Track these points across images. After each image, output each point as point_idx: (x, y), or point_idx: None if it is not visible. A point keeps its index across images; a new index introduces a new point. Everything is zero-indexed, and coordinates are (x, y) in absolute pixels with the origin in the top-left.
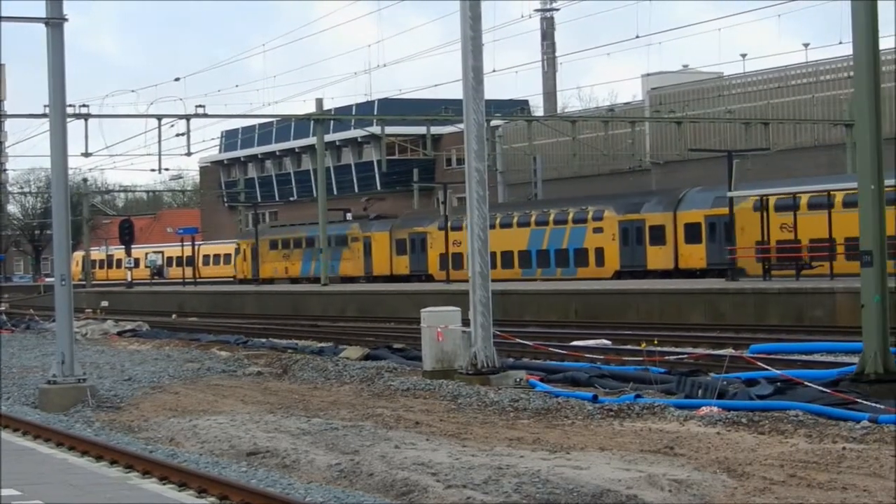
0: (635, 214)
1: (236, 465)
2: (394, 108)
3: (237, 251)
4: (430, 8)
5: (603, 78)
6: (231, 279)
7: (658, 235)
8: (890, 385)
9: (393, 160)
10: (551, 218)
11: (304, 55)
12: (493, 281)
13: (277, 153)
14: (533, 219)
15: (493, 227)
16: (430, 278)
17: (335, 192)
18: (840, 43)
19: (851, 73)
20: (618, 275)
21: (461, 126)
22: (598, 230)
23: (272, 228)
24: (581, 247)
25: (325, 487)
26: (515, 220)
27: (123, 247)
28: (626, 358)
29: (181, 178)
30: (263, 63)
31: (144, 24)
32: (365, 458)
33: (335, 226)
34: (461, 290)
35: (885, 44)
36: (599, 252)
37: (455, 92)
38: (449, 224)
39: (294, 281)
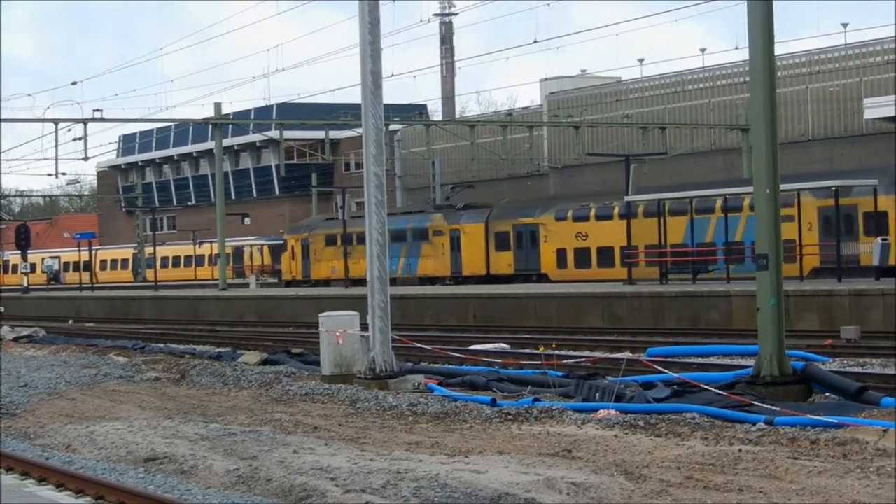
0: (843, 198)
1: (134, 472)
2: (293, 113)
3: (283, 248)
4: (330, 9)
5: (502, 82)
6: (128, 284)
7: (876, 225)
8: (785, 387)
9: (291, 164)
10: (719, 204)
11: (204, 58)
12: (641, 281)
13: (175, 157)
14: (693, 206)
15: (635, 215)
16: (542, 278)
17: (233, 197)
18: (736, 48)
19: (747, 78)
20: (816, 273)
21: (360, 130)
22: (787, 218)
23: (328, 221)
24: None
25: (224, 493)
26: (667, 207)
27: (19, 252)
28: (525, 362)
29: (78, 182)
30: (162, 66)
31: (49, 26)
32: (263, 463)
33: (411, 217)
34: (360, 294)
35: (780, 49)
36: (789, 245)
37: (354, 96)
38: (570, 213)
39: (357, 283)
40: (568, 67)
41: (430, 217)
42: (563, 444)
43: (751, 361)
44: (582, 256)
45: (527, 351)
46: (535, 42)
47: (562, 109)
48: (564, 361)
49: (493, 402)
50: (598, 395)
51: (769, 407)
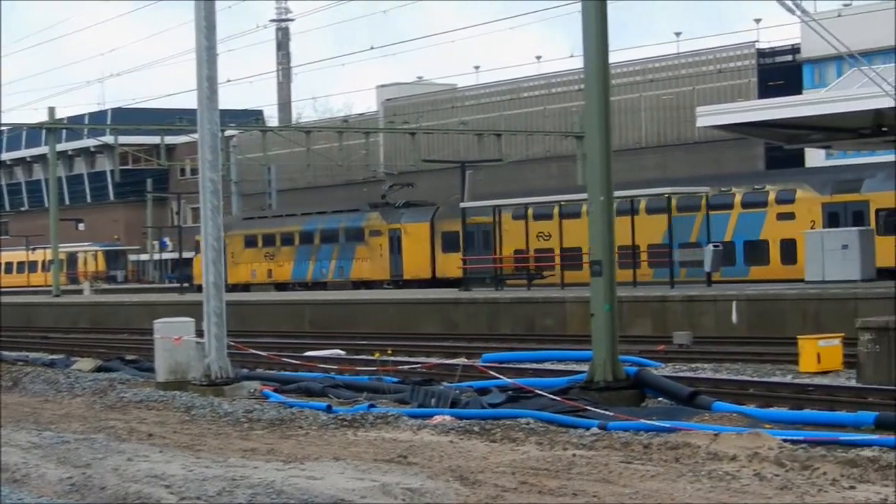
0: (852, 195)
1: None
2: (128, 118)
3: (197, 250)
4: (167, 9)
5: (338, 88)
6: None
7: (893, 223)
8: (619, 392)
9: (126, 170)
10: (704, 202)
11: (39, 61)
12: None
13: (8, 162)
14: (674, 203)
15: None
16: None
17: (67, 202)
18: (571, 56)
19: (582, 86)
20: None
21: (196, 136)
22: (785, 216)
23: (247, 221)
24: (756, 239)
25: (56, 501)
26: (643, 205)
27: None
28: (360, 368)
29: None
30: None
31: None
32: (97, 471)
33: (343, 216)
34: (195, 300)
35: (614, 57)
36: (788, 245)
37: (190, 101)
38: (531, 211)
39: (281, 287)
40: (404, 74)
41: (366, 216)
42: (398, 450)
43: (585, 367)
44: (544, 259)
45: (363, 357)
46: (372, 48)
47: (398, 116)
48: (400, 367)
49: (328, 409)
50: (433, 400)
51: (603, 412)
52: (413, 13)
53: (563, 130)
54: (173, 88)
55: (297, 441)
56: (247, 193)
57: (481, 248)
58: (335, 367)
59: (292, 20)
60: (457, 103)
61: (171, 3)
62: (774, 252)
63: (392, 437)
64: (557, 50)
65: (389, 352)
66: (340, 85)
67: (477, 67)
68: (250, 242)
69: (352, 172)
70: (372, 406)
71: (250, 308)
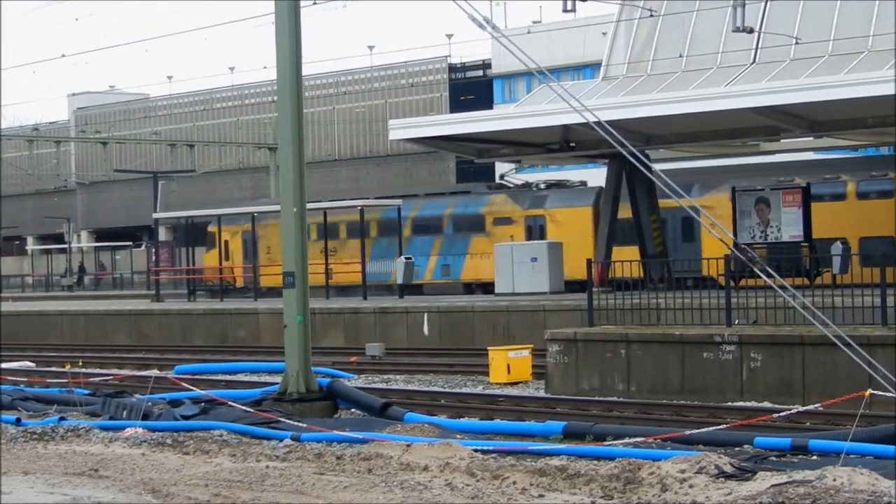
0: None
1: None
2: None
3: (211, 244)
4: None
5: (29, 96)
6: None
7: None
8: (312, 404)
9: None
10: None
11: None
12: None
13: None
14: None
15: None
16: (701, 283)
17: None
18: (265, 68)
19: (276, 98)
20: None
21: None
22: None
23: None
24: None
25: None
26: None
27: None
28: (51, 380)
29: None
30: None
31: None
32: None
33: (448, 199)
34: None
35: (308, 69)
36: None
37: None
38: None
39: (344, 290)
40: (97, 83)
41: (487, 199)
42: (89, 464)
43: (279, 378)
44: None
45: (53, 369)
46: (64, 56)
47: (90, 125)
48: (92, 379)
49: (17, 422)
50: (125, 413)
51: (296, 423)
52: (106, 21)
53: (256, 142)
54: None
55: None
56: None
57: (679, 241)
58: (24, 379)
59: None
60: (150, 113)
61: None
62: None
63: (83, 450)
64: (251, 61)
65: (81, 363)
66: (31, 93)
67: (170, 77)
68: None
69: (43, 181)
70: (62, 419)
71: None
